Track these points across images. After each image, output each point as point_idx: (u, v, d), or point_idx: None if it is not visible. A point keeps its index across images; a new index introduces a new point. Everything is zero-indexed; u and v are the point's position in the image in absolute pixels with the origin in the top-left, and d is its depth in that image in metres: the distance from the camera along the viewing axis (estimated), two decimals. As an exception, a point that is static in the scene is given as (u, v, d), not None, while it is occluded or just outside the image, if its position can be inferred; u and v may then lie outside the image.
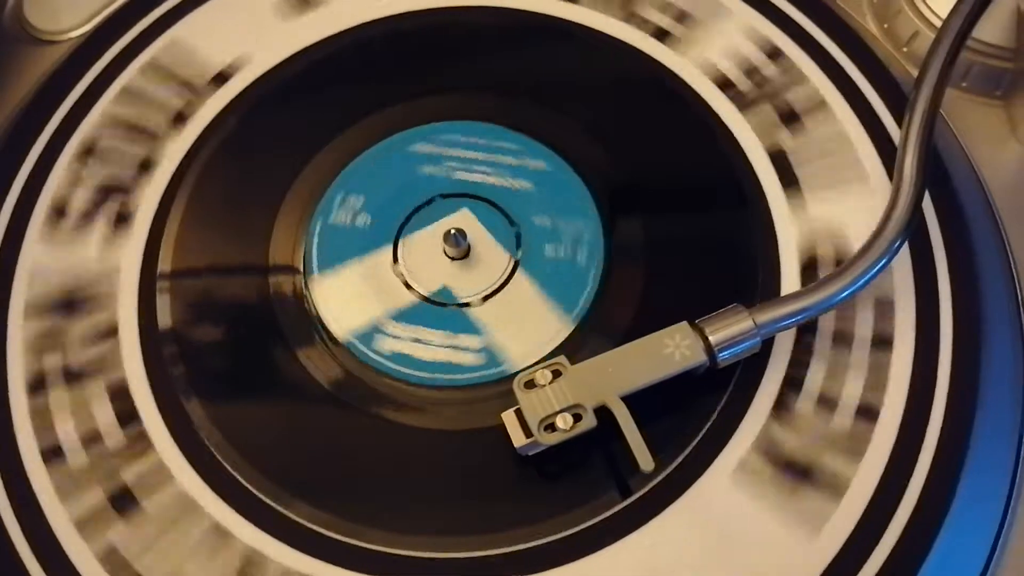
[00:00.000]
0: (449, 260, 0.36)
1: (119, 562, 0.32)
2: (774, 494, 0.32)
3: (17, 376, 0.35)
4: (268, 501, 0.32)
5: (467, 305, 0.36)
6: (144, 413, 0.34)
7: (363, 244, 0.37)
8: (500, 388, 0.34)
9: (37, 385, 0.35)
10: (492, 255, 0.36)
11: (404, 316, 0.35)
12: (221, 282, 0.37)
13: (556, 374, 0.32)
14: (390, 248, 0.37)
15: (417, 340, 0.35)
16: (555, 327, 0.35)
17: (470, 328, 0.35)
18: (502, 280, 0.36)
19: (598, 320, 0.35)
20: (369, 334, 0.35)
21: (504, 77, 0.40)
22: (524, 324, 0.35)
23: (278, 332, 0.35)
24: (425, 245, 0.37)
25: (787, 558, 0.31)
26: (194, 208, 0.38)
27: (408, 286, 0.36)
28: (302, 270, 0.36)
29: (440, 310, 0.36)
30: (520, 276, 0.36)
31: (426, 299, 0.36)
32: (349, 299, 0.36)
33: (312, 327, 0.35)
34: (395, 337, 0.35)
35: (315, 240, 0.37)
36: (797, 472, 0.32)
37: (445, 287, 0.36)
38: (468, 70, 0.41)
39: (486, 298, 0.36)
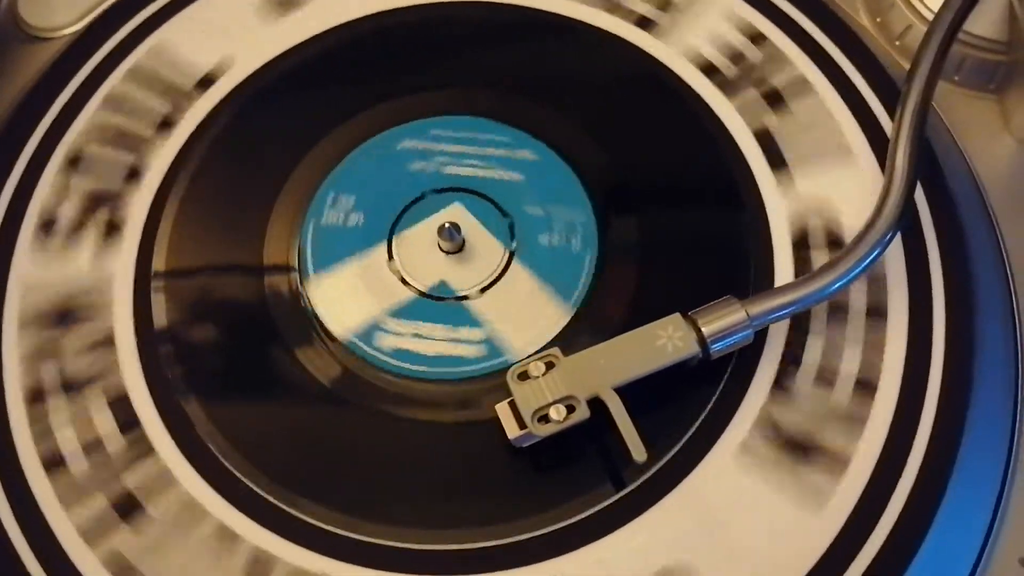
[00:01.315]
0: (444, 254, 0.36)
1: (124, 567, 0.32)
2: (772, 478, 0.32)
3: (15, 388, 0.35)
4: (271, 499, 0.32)
5: (465, 298, 0.36)
6: (144, 418, 0.34)
7: (357, 243, 0.37)
8: (498, 380, 0.33)
9: (36, 397, 0.35)
10: (486, 247, 0.36)
11: (403, 312, 0.35)
12: (216, 284, 0.37)
13: (549, 366, 0.32)
14: (384, 245, 0.37)
15: (417, 335, 0.35)
16: (555, 315, 0.35)
17: (470, 321, 0.35)
18: (498, 272, 0.36)
19: (592, 312, 0.35)
20: (369, 332, 0.35)
21: (490, 71, 0.40)
22: (524, 314, 0.35)
23: (275, 331, 0.35)
24: (419, 241, 0.37)
25: (790, 539, 0.31)
26: (186, 211, 0.38)
27: (405, 282, 0.36)
28: (297, 269, 0.36)
29: (438, 304, 0.36)
30: (516, 266, 0.36)
31: (423, 294, 0.36)
32: (346, 298, 0.36)
33: (309, 325, 0.35)
34: (395, 334, 0.35)
35: (309, 241, 0.37)
36: (795, 454, 0.32)
37: (442, 281, 0.36)
38: (453, 65, 0.41)
39: (483, 290, 0.36)
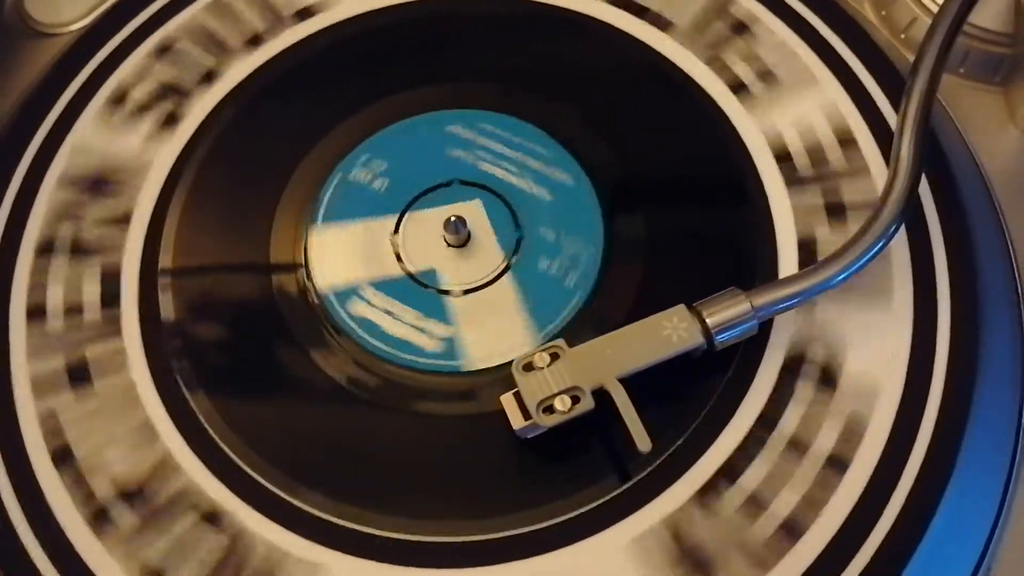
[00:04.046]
0: (446, 246, 0.36)
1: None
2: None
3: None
4: (273, 488, 0.33)
5: (447, 293, 0.36)
6: (149, 411, 0.34)
7: (372, 207, 0.37)
8: (501, 375, 0.34)
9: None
10: (489, 250, 0.36)
11: (384, 286, 0.36)
12: (222, 276, 0.37)
13: (554, 356, 0.32)
14: (395, 218, 0.37)
15: (389, 312, 0.35)
16: (520, 339, 0.35)
17: (442, 316, 0.35)
18: (489, 278, 0.36)
19: (599, 304, 0.35)
20: (346, 294, 0.36)
21: (533, 72, 0.40)
22: (492, 328, 0.35)
23: (281, 324, 0.35)
24: (429, 225, 0.37)
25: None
26: (197, 190, 0.38)
27: (399, 258, 0.36)
28: (303, 262, 0.37)
29: (420, 290, 0.36)
30: (507, 280, 0.36)
31: (411, 276, 0.36)
32: (341, 257, 0.36)
33: (316, 319, 0.35)
34: (369, 304, 0.35)
35: (329, 192, 0.37)
36: (798, 452, 0.32)
37: (434, 269, 0.36)
38: (470, 61, 0.41)
39: (467, 291, 0.36)
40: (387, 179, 0.38)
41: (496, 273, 0.36)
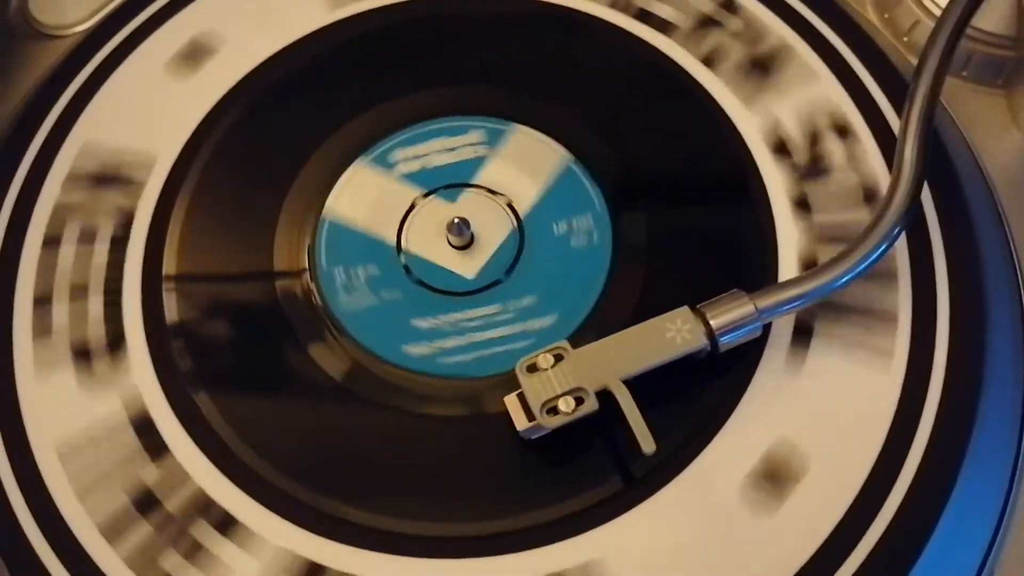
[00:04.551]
0: (449, 247, 0.36)
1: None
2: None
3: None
4: (288, 491, 0.33)
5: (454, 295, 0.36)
6: (155, 412, 0.34)
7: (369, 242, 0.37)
8: (503, 377, 0.34)
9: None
10: (492, 252, 0.36)
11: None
12: (226, 278, 0.37)
13: (558, 358, 0.32)
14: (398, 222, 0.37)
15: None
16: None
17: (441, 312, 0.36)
18: (494, 278, 0.36)
19: (602, 306, 0.35)
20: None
21: (535, 73, 0.40)
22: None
23: (286, 325, 0.36)
24: (433, 227, 0.37)
25: (780, 542, 0.31)
26: (198, 201, 0.38)
27: (407, 270, 0.36)
28: (308, 266, 0.37)
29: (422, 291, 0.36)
30: (511, 280, 0.36)
31: (419, 280, 0.36)
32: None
33: (320, 319, 0.35)
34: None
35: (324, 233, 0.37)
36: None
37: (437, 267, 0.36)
38: (471, 62, 0.41)
39: (473, 292, 0.36)
40: (391, 182, 0.38)
41: (501, 273, 0.36)
